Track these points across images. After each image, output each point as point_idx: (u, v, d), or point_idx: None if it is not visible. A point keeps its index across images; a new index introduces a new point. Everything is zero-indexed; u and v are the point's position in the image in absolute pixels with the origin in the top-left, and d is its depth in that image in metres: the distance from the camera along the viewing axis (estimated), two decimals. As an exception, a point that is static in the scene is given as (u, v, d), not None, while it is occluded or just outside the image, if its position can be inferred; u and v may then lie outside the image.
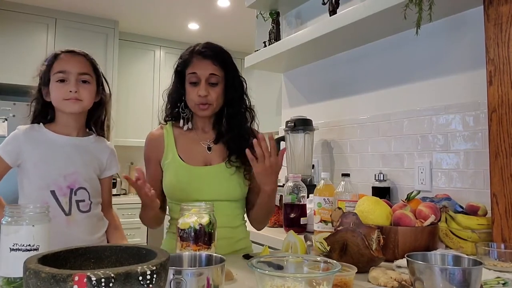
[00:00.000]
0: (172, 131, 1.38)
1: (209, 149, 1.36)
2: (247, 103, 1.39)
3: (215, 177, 1.31)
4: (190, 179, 1.30)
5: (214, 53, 1.30)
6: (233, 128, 1.34)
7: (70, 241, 1.02)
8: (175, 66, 1.36)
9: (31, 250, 0.79)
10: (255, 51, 2.42)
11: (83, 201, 1.29)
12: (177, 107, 1.37)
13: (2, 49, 3.62)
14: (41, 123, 1.32)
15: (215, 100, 1.30)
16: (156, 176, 1.35)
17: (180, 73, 1.34)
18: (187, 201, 1.15)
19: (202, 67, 1.29)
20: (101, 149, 1.39)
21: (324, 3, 1.97)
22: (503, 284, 0.93)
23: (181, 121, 1.37)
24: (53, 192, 1.24)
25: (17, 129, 1.30)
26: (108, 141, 1.44)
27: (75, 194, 1.28)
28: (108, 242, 1.38)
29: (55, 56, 1.29)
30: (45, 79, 1.29)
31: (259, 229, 1.47)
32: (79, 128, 1.35)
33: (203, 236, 1.00)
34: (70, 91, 1.25)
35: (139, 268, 0.55)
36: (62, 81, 1.26)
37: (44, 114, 1.34)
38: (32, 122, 1.33)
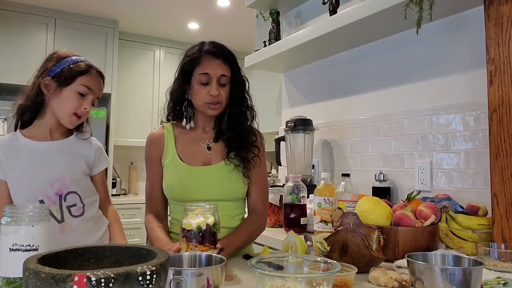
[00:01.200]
0: (172, 130, 1.38)
1: (209, 148, 1.35)
2: (248, 101, 1.39)
3: (215, 177, 1.31)
4: (190, 179, 1.30)
5: (224, 53, 1.31)
6: (234, 127, 1.34)
7: None
8: (182, 65, 1.33)
9: (30, 250, 0.79)
10: (255, 51, 2.42)
11: (75, 205, 1.28)
12: (180, 106, 1.37)
13: (1, 49, 3.62)
14: (17, 131, 1.31)
15: (224, 100, 1.31)
16: (158, 176, 1.35)
17: (186, 72, 1.32)
18: (187, 201, 1.15)
19: (214, 67, 1.28)
20: (86, 147, 1.37)
21: (324, 3, 1.96)
22: (503, 284, 0.93)
23: (184, 120, 1.36)
24: (41, 202, 1.23)
25: None
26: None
27: (65, 200, 1.26)
28: (109, 239, 1.38)
29: (87, 70, 1.31)
30: (67, 78, 1.28)
31: None
32: (62, 127, 1.32)
33: (209, 236, 1.00)
34: (84, 108, 1.30)
35: (139, 268, 0.55)
36: (82, 95, 1.29)
37: (34, 110, 1.31)
38: (18, 112, 1.31)
